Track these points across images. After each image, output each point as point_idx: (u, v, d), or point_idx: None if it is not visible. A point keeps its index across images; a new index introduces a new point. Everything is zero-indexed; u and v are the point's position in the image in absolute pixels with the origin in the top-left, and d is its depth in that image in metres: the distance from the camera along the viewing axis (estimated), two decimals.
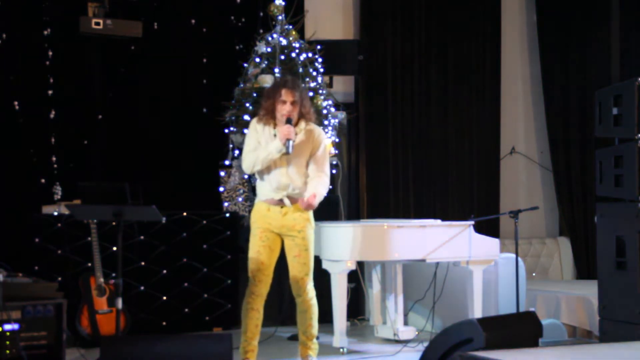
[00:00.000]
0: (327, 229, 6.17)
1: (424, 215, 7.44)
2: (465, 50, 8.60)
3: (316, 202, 5.32)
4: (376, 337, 6.77)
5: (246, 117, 6.91)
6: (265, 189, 5.37)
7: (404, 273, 6.76)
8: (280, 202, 5.33)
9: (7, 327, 4.41)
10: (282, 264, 5.50)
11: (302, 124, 5.38)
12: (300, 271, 5.36)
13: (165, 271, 6.83)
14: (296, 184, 5.33)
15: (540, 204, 8.65)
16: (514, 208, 6.62)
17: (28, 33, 6.95)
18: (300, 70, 7.18)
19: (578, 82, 8.63)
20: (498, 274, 6.63)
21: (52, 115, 7.00)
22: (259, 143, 5.34)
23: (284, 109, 5.28)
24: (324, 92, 7.31)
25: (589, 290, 6.68)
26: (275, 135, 5.31)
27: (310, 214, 5.42)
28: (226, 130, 7.19)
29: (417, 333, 6.58)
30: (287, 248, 5.40)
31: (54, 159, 6.99)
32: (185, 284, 6.91)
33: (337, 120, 7.39)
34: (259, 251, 5.33)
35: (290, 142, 5.21)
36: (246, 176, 7.13)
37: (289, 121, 5.26)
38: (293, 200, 5.34)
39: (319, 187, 5.34)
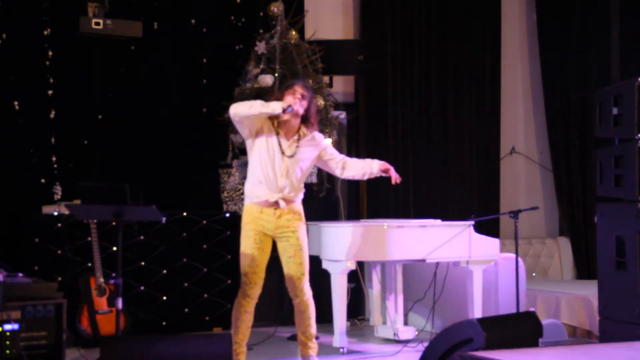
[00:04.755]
0: (327, 229, 6.17)
1: (424, 215, 7.43)
2: (465, 50, 8.59)
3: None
4: (376, 337, 6.77)
5: None
6: (259, 190, 5.29)
7: (404, 273, 6.76)
8: (275, 204, 5.29)
9: (7, 327, 4.41)
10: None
11: (304, 130, 5.36)
12: (297, 271, 5.34)
13: (165, 271, 6.83)
14: (293, 186, 5.31)
15: (540, 204, 8.64)
16: (514, 208, 6.61)
17: (28, 33, 6.94)
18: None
19: (578, 82, 8.62)
20: (498, 274, 6.63)
21: (52, 115, 7.00)
22: (264, 140, 5.30)
23: (293, 99, 5.22)
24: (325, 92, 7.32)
25: (589, 290, 6.69)
26: (280, 145, 5.27)
27: (302, 213, 5.41)
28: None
29: (417, 333, 6.58)
30: (282, 249, 5.37)
31: (54, 159, 6.99)
32: (185, 284, 6.91)
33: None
34: (254, 253, 5.30)
35: (291, 109, 5.17)
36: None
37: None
38: (288, 201, 5.32)
39: (362, 163, 5.67)
